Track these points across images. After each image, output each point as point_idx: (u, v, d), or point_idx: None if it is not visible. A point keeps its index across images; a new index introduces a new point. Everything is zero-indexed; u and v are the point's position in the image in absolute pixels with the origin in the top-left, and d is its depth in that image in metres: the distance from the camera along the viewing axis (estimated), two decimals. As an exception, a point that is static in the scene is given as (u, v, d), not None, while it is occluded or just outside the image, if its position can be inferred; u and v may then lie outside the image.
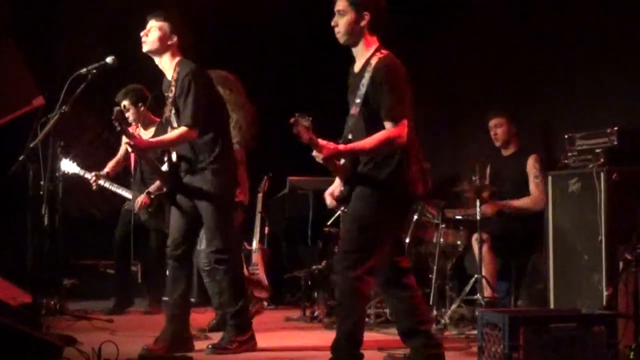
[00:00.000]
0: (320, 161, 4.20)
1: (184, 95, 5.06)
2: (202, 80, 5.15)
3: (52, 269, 6.57)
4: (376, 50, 4.34)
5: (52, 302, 6.45)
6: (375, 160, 4.30)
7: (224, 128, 5.30)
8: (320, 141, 4.16)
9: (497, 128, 6.65)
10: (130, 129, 7.25)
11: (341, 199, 4.44)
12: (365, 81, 4.27)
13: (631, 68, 6.01)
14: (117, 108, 5.12)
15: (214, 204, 5.14)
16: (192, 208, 5.20)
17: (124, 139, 5.13)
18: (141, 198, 6.71)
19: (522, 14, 7.26)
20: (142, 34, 5.21)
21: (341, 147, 4.23)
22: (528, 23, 7.17)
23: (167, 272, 5.44)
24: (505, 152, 6.70)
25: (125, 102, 6.89)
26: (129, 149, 5.19)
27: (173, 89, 5.13)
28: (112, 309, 7.11)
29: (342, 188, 4.42)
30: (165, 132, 5.27)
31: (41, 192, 5.63)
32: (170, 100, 5.17)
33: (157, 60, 5.24)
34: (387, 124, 4.22)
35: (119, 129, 4.95)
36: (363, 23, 4.30)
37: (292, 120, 4.09)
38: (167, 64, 5.20)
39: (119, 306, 7.19)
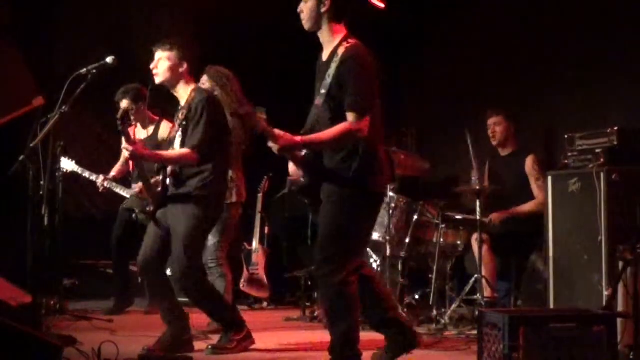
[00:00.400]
0: (277, 152, 4.18)
1: (196, 119, 5.04)
2: (215, 109, 5.13)
3: (52, 269, 6.57)
4: (343, 40, 4.30)
5: (52, 302, 6.45)
6: (341, 155, 4.24)
7: (223, 158, 5.25)
8: (277, 131, 4.13)
9: (496, 126, 6.64)
10: (131, 130, 7.26)
11: (303, 189, 4.37)
12: (331, 72, 4.23)
13: (631, 68, 6.01)
14: (123, 107, 5.10)
15: (189, 230, 5.07)
16: (169, 227, 5.17)
17: (123, 142, 5.11)
18: (137, 185, 6.77)
19: (522, 14, 7.26)
20: (151, 67, 5.19)
21: (298, 138, 4.17)
22: (528, 23, 7.17)
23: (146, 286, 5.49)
24: (503, 152, 6.70)
25: (125, 102, 6.89)
26: (126, 153, 5.16)
27: (184, 111, 5.12)
28: (112, 309, 7.10)
29: (303, 178, 4.36)
30: (165, 149, 5.28)
31: (41, 192, 5.63)
32: (178, 122, 5.18)
33: (172, 89, 5.24)
34: (350, 116, 4.16)
35: (120, 129, 4.93)
36: (324, 9, 4.28)
37: (243, 110, 4.11)
38: (183, 92, 5.20)
39: (119, 306, 7.18)
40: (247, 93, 6.28)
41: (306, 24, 4.34)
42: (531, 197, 6.42)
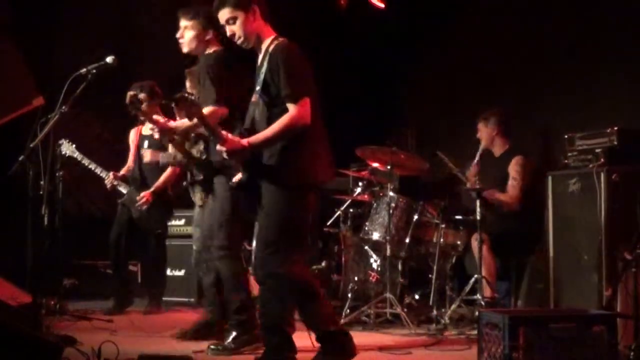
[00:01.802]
0: (225, 156, 4.21)
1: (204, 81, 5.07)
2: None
3: (52, 269, 6.57)
4: (273, 39, 4.36)
5: (52, 302, 6.45)
6: (269, 151, 4.26)
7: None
8: (224, 134, 4.18)
9: (479, 132, 6.69)
10: (136, 130, 7.26)
11: (241, 186, 4.37)
12: (264, 68, 4.28)
13: (631, 68, 6.01)
14: (130, 93, 5.07)
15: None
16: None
17: (150, 126, 5.04)
18: (145, 194, 6.77)
19: (522, 14, 7.26)
20: (177, 35, 5.18)
21: (244, 141, 4.19)
22: (528, 23, 7.17)
23: (204, 280, 5.46)
24: (496, 153, 6.70)
25: (141, 95, 6.90)
26: (156, 135, 5.11)
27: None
28: (112, 309, 7.11)
29: (240, 175, 4.38)
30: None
31: (41, 192, 5.63)
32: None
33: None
34: (290, 106, 4.18)
35: (135, 113, 4.89)
36: (257, 16, 4.33)
37: (178, 96, 4.15)
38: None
39: (119, 306, 7.19)
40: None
41: (245, 42, 4.37)
42: (524, 199, 6.40)
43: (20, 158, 4.99)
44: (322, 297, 4.42)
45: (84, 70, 5.04)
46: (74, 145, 7.03)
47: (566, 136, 5.61)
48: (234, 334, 5.19)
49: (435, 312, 6.12)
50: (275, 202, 4.24)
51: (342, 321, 6.25)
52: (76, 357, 4.52)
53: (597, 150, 5.29)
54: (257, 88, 4.33)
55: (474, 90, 7.71)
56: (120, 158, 7.41)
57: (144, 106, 6.91)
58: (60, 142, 6.90)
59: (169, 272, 7.61)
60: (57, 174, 6.78)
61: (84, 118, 8.05)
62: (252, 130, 4.30)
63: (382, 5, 7.83)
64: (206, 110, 4.96)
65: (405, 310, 6.16)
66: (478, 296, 5.95)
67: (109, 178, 7.05)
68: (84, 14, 8.22)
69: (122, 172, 7.24)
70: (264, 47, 4.36)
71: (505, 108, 6.77)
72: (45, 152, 5.33)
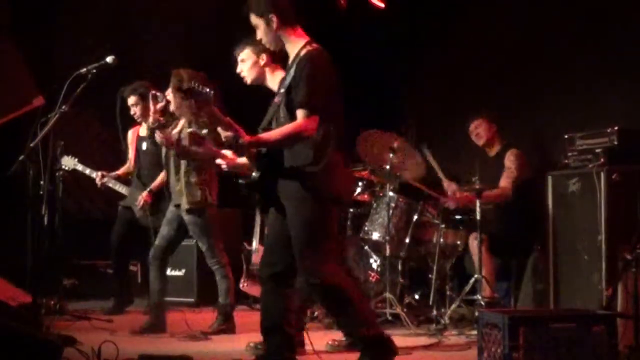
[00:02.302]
0: (224, 147, 4.23)
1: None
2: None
3: (52, 269, 6.57)
4: (306, 44, 4.33)
5: (52, 302, 6.45)
6: (300, 154, 4.21)
7: None
8: (228, 121, 4.14)
9: (477, 129, 6.66)
10: (134, 130, 7.26)
11: (253, 184, 4.31)
12: (292, 72, 4.27)
13: (631, 68, 6.01)
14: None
15: None
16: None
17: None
18: (143, 195, 6.77)
19: (522, 14, 7.26)
20: (237, 71, 5.16)
21: (246, 137, 4.14)
22: (528, 23, 7.17)
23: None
24: (491, 152, 6.70)
25: (132, 98, 6.89)
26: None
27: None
28: (112, 309, 7.11)
29: (254, 174, 4.32)
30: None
31: (41, 192, 5.63)
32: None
33: (264, 84, 5.20)
34: (299, 112, 4.16)
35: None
36: (275, 24, 4.32)
37: (186, 88, 4.15)
38: (274, 80, 5.10)
39: (119, 306, 7.19)
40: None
41: (272, 46, 4.41)
42: (518, 196, 6.40)
43: (20, 158, 4.99)
44: (356, 301, 4.32)
45: (84, 70, 5.04)
46: (76, 159, 7.02)
47: (566, 136, 5.61)
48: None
49: (435, 312, 6.12)
50: (307, 210, 4.20)
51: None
52: (76, 357, 4.52)
53: (597, 150, 5.29)
54: (282, 91, 4.30)
55: (474, 90, 7.71)
56: (120, 158, 7.41)
57: (137, 109, 6.91)
58: (60, 153, 6.84)
59: (169, 272, 7.60)
60: (57, 174, 6.79)
61: (84, 118, 8.05)
62: (269, 130, 4.28)
63: (382, 5, 7.82)
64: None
65: (405, 310, 6.15)
66: (478, 296, 5.95)
67: (97, 177, 7.03)
68: (84, 14, 8.23)
69: (120, 172, 7.22)
70: (294, 50, 4.34)
71: (506, 108, 6.78)
72: (45, 152, 5.33)
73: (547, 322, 4.16)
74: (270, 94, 4.60)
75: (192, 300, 7.65)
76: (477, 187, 6.09)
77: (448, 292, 6.37)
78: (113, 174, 7.14)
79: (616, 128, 5.26)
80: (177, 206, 6.00)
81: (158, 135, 5.77)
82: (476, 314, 5.30)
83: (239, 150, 4.23)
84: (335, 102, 4.27)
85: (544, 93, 6.94)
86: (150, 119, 5.99)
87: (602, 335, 4.15)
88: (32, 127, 5.25)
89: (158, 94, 6.05)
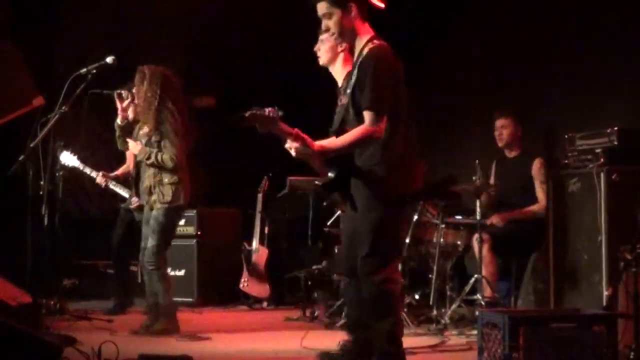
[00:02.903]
0: (294, 154, 4.17)
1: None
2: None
3: (52, 269, 6.58)
4: (369, 40, 4.29)
5: (52, 302, 6.45)
6: (368, 154, 4.22)
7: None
8: (296, 131, 4.13)
9: (503, 129, 6.61)
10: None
11: (330, 185, 4.33)
12: (355, 72, 4.24)
13: (631, 68, 6.01)
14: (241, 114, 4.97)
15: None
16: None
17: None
18: (134, 199, 6.77)
19: (522, 14, 7.26)
20: (315, 49, 5.09)
21: (317, 146, 4.15)
22: (529, 23, 7.17)
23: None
24: (510, 154, 6.68)
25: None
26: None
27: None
28: (112, 309, 7.11)
29: (329, 174, 4.31)
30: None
31: (41, 192, 5.63)
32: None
33: (330, 68, 5.13)
34: (367, 115, 4.14)
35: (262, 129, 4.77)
36: (353, 15, 4.27)
37: (248, 114, 4.05)
38: (339, 70, 5.07)
39: (119, 306, 7.18)
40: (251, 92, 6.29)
41: (339, 38, 4.40)
42: (533, 199, 6.42)
43: (20, 158, 4.99)
44: (397, 315, 4.35)
45: (84, 70, 5.05)
46: (75, 156, 7.01)
47: (566, 136, 5.61)
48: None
49: (435, 312, 6.12)
50: (376, 210, 4.22)
51: (342, 321, 6.26)
52: (76, 357, 4.52)
53: (597, 150, 5.28)
54: (348, 91, 4.28)
55: (474, 90, 7.71)
56: (121, 158, 7.40)
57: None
58: (60, 150, 6.83)
59: (169, 272, 7.61)
60: (57, 174, 6.78)
61: (84, 118, 8.05)
62: (341, 132, 4.27)
63: (382, 5, 7.81)
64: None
65: (405, 310, 6.15)
66: (478, 296, 5.95)
67: (99, 178, 7.01)
68: (84, 14, 8.23)
69: (119, 172, 7.20)
70: (358, 46, 4.30)
71: (513, 109, 6.77)
72: (45, 152, 5.33)
73: (547, 322, 4.16)
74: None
75: (192, 300, 7.66)
76: (477, 186, 6.09)
77: (448, 292, 6.36)
78: (112, 174, 7.13)
79: (616, 128, 5.25)
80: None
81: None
82: (476, 314, 5.30)
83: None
84: (401, 97, 4.26)
85: (544, 93, 6.94)
86: (119, 118, 6.00)
87: (602, 335, 4.15)
88: (32, 127, 5.25)
89: (123, 92, 6.04)
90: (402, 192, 4.27)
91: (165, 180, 5.88)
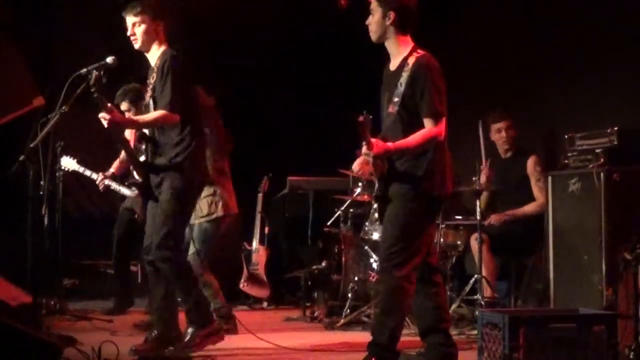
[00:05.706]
0: (370, 159, 4.36)
1: (162, 81, 4.99)
2: (181, 67, 5.06)
3: (52, 269, 6.57)
4: (412, 50, 4.51)
5: (52, 302, 6.45)
6: (408, 157, 4.42)
7: (197, 118, 5.14)
8: (371, 139, 4.30)
9: (508, 130, 6.62)
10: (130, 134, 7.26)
11: (378, 197, 4.51)
12: (403, 80, 4.42)
13: (631, 68, 6.00)
14: (95, 73, 4.95)
15: (174, 200, 4.95)
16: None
17: (101, 114, 4.93)
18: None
19: (522, 14, 7.26)
20: (128, 34, 5.15)
21: (390, 145, 4.34)
22: (529, 23, 7.17)
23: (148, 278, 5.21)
24: (505, 154, 6.69)
25: (124, 104, 6.87)
26: (104, 123, 4.90)
27: (155, 74, 5.07)
28: (112, 309, 7.10)
29: (377, 185, 4.51)
30: None
31: (41, 192, 5.63)
32: (150, 86, 5.12)
33: (147, 53, 5.18)
34: (428, 121, 4.37)
35: (95, 96, 4.82)
36: (389, 22, 4.50)
37: (361, 118, 4.25)
38: (154, 54, 5.13)
39: (119, 306, 7.18)
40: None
41: (373, 35, 4.59)
42: (531, 197, 6.42)
43: (20, 158, 4.99)
44: (402, 315, 4.50)
45: (84, 70, 5.03)
46: (75, 160, 7.00)
47: (566, 136, 5.61)
48: (193, 330, 5.08)
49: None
50: (408, 209, 4.40)
51: (342, 321, 6.26)
52: (76, 357, 4.52)
53: (597, 150, 5.28)
54: (396, 100, 4.46)
55: (474, 90, 7.70)
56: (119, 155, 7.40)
57: (131, 114, 6.83)
58: (60, 153, 6.82)
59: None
60: (57, 174, 6.78)
61: (84, 118, 8.04)
62: (384, 140, 4.41)
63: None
64: (155, 112, 4.96)
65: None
66: (478, 296, 5.95)
67: (99, 179, 6.99)
68: (84, 14, 8.22)
69: (112, 170, 7.16)
70: (399, 55, 4.53)
71: (505, 108, 6.77)
72: (45, 152, 5.32)
73: (547, 322, 4.17)
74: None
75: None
76: (477, 187, 6.09)
77: (448, 292, 6.36)
78: (109, 172, 7.09)
79: (616, 128, 5.25)
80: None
81: None
82: (476, 313, 5.30)
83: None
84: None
85: (544, 93, 6.94)
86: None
87: (602, 335, 4.15)
88: (32, 127, 5.24)
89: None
90: (436, 194, 4.44)
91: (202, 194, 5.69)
